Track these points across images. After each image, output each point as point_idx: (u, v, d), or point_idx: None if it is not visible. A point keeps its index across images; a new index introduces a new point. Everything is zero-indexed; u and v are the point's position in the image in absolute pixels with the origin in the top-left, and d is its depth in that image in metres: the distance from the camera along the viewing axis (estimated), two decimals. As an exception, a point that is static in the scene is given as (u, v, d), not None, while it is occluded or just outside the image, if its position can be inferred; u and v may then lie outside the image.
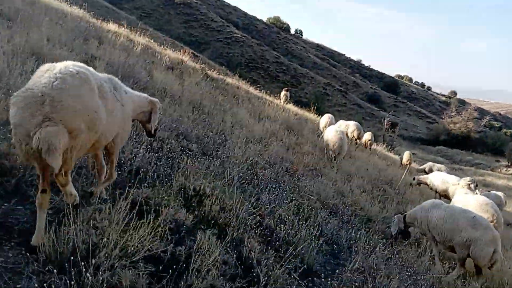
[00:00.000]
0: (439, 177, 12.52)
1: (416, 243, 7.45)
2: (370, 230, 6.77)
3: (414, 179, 13.30)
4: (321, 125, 15.84)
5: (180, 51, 19.89)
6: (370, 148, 19.34)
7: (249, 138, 9.29)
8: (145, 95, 4.33)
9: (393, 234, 7.21)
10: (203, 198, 4.53)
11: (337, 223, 6.31)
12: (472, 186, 15.94)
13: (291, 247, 4.44)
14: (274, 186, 6.43)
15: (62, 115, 2.64)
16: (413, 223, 7.19)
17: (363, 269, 4.72)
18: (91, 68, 3.19)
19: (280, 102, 22.00)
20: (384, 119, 39.03)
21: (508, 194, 29.45)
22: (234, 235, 4.18)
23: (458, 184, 10.03)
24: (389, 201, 9.54)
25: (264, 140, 9.79)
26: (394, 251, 6.17)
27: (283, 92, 22.29)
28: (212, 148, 7.03)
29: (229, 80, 20.01)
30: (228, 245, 3.97)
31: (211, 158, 6.50)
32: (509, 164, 49.08)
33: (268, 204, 5.44)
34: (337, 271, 4.55)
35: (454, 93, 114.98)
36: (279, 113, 14.83)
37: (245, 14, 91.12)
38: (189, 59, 18.86)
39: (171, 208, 4.00)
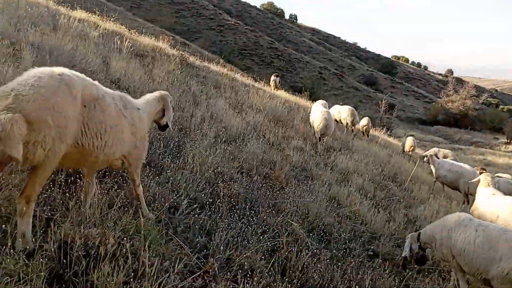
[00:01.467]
0: (446, 166, 10.73)
1: (437, 270, 5.55)
2: (376, 262, 4.88)
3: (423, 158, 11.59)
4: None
5: (160, 39, 17.87)
6: (368, 135, 17.39)
7: (221, 136, 7.36)
8: (155, 94, 4.12)
9: (404, 259, 5.30)
10: (94, 263, 2.61)
11: (329, 259, 4.41)
12: (494, 183, 13.51)
13: None
14: (240, 210, 4.53)
15: (22, 106, 2.48)
16: (431, 244, 5.28)
17: None
18: (93, 81, 3.14)
19: (271, 89, 20.00)
20: (382, 101, 36.95)
21: (510, 172, 27.73)
22: None
23: (478, 180, 7.93)
24: (395, 205, 7.62)
25: (241, 137, 7.84)
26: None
27: (272, 77, 20.21)
28: (160, 157, 5.11)
29: (213, 67, 17.96)
30: None
31: (152, 173, 4.59)
32: (508, 141, 47.23)
33: (224, 248, 3.54)
34: None
35: (451, 71, 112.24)
36: (266, 101, 12.83)
37: (238, 0, 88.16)
38: (168, 47, 16.84)
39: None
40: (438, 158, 12.02)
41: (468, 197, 9.81)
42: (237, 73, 19.53)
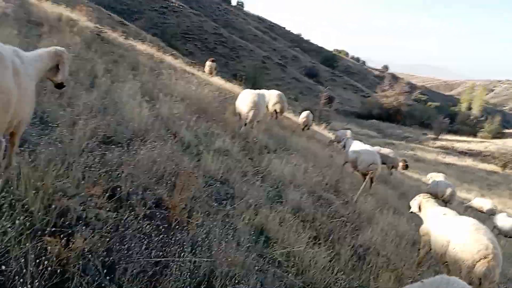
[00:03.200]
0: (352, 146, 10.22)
1: None
2: None
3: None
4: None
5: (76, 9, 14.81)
6: (308, 128, 15.79)
7: (103, 135, 5.04)
8: (48, 49, 3.76)
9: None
10: None
11: None
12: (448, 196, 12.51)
13: None
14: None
15: None
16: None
17: None
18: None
19: (212, 75, 17.68)
20: (322, 94, 35.91)
21: (439, 169, 27.84)
22: None
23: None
24: (340, 231, 5.74)
25: (140, 136, 5.54)
26: None
27: (207, 62, 17.88)
28: None
29: (140, 46, 15.23)
30: None
31: None
32: (435, 137, 48.71)
33: None
34: None
35: (386, 67, 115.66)
36: (194, 88, 10.53)
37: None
38: (86, 20, 13.90)
39: None
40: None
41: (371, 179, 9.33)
42: (169, 56, 16.88)
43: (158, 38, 36.35)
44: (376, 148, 15.99)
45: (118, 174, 4.18)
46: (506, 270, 7.38)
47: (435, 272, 5.43)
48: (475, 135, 55.06)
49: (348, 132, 15.14)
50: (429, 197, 6.17)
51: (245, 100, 9.15)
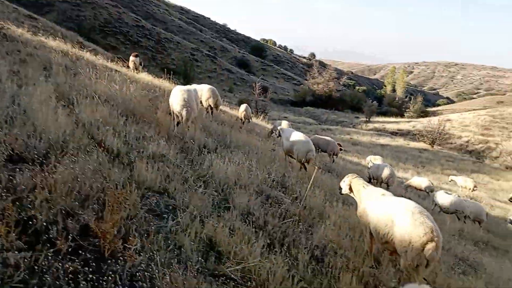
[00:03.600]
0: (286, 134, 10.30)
1: None
2: None
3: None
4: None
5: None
6: (248, 121, 15.53)
7: (7, 151, 4.23)
8: None
9: None
10: None
11: None
12: (389, 178, 13.05)
13: None
14: None
15: None
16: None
17: None
18: None
19: (138, 71, 16.60)
20: (256, 84, 35.90)
21: (375, 151, 29.21)
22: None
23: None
24: (294, 233, 5.45)
25: (57, 149, 4.77)
26: None
27: (131, 58, 16.81)
28: None
29: (52, 43, 13.80)
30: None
31: None
32: (367, 119, 51.23)
33: None
34: None
35: (313, 55, 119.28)
36: (119, 87, 9.65)
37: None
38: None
39: None
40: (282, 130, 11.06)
41: (304, 165, 9.68)
42: (88, 51, 15.54)
43: (75, 32, 33.96)
44: (316, 136, 16.18)
45: (31, 200, 3.47)
46: (455, 249, 7.65)
47: (394, 265, 5.36)
48: (402, 116, 58.88)
49: (284, 122, 15.11)
50: (356, 176, 6.18)
51: (175, 98, 8.61)
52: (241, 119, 15.24)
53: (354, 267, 4.94)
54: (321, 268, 4.74)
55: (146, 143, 6.82)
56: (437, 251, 4.42)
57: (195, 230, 4.34)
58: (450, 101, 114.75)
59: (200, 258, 3.90)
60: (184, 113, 8.34)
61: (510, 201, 17.46)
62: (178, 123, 8.85)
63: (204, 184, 6.06)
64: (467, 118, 46.62)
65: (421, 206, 4.94)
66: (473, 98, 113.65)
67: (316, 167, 7.23)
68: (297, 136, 10.10)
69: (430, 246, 4.39)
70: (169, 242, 3.98)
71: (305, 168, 9.69)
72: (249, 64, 74.94)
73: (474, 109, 62.62)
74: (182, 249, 3.95)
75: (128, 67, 16.98)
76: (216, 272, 3.82)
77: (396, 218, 4.79)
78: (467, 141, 37.73)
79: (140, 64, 17.57)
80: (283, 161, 10.06)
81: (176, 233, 4.19)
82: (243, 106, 15.42)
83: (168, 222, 4.35)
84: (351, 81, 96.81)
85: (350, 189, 6.11)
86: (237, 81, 62.05)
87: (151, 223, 4.22)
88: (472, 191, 18.57)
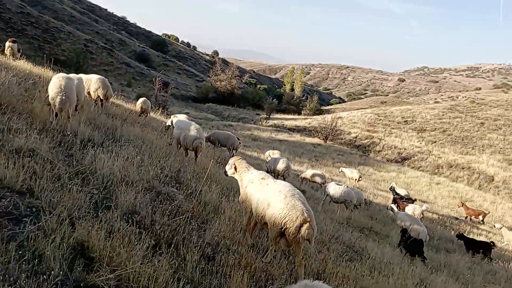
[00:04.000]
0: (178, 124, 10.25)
1: None
2: None
3: None
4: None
5: None
6: (146, 116, 14.69)
7: None
8: None
9: None
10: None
11: None
12: (285, 171, 13.14)
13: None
14: None
15: None
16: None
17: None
18: None
19: (15, 59, 14.49)
20: (155, 79, 34.48)
21: (274, 146, 30.06)
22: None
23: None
24: (184, 231, 5.00)
25: None
26: None
27: (7, 44, 14.72)
28: None
29: None
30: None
31: None
32: (267, 116, 52.71)
33: None
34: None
35: (216, 52, 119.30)
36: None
37: None
38: None
39: None
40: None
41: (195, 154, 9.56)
42: None
43: None
44: (216, 131, 15.90)
45: None
46: (343, 237, 7.91)
47: (285, 257, 5.24)
48: (299, 113, 61.83)
49: (181, 116, 14.62)
50: (240, 158, 6.18)
51: (52, 85, 7.65)
52: (139, 113, 14.33)
53: (247, 263, 4.67)
54: (212, 267, 4.38)
55: (11, 136, 5.77)
56: (312, 229, 4.61)
57: (62, 235, 3.65)
58: (341, 100, 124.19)
59: (64, 268, 3.25)
60: (57, 100, 7.36)
61: (390, 190, 19.18)
62: (57, 115, 7.79)
63: (83, 182, 5.29)
64: (356, 116, 50.67)
65: (295, 189, 5.09)
66: (361, 98, 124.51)
67: (212, 159, 6.84)
68: (186, 124, 10.00)
69: (305, 227, 4.57)
70: (26, 251, 3.26)
71: (195, 157, 9.48)
72: (149, 58, 71.95)
73: (361, 108, 68.49)
74: (42, 258, 3.26)
75: (3, 53, 14.81)
76: (83, 283, 3.21)
77: (271, 201, 4.90)
78: (355, 137, 40.90)
79: (19, 51, 15.46)
80: (179, 155, 9.50)
81: (35, 240, 3.46)
82: (141, 100, 14.64)
83: (26, 228, 3.59)
84: (253, 79, 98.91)
85: (236, 171, 6.04)
86: (136, 75, 59.11)
87: (4, 230, 3.43)
88: (358, 181, 20.03)
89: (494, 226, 16.72)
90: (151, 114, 17.39)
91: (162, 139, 10.93)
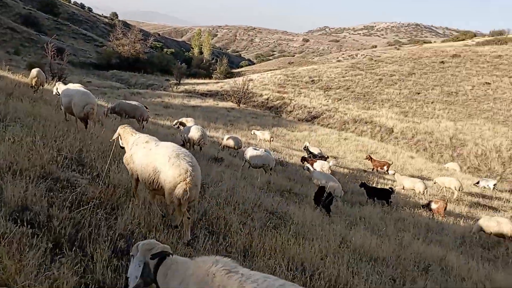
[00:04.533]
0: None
1: None
2: None
3: None
4: None
5: None
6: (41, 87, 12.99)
7: None
8: None
9: None
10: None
11: None
12: (200, 139, 12.44)
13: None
14: None
15: None
16: None
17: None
18: None
19: None
20: (48, 45, 30.71)
21: (187, 112, 29.13)
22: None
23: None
24: (90, 227, 4.31)
25: None
26: None
27: None
28: None
29: None
30: None
31: None
32: (178, 82, 50.76)
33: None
34: None
35: (116, 14, 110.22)
36: None
37: None
38: None
39: None
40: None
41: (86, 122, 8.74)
42: None
43: None
44: (121, 101, 14.60)
45: None
46: (265, 203, 7.78)
47: (209, 236, 4.87)
48: (210, 77, 60.61)
49: (75, 85, 13.17)
50: (125, 125, 6.02)
51: None
52: (34, 86, 12.52)
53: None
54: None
55: None
56: (188, 190, 4.54)
57: None
58: (251, 62, 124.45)
59: None
60: None
61: (304, 149, 19.76)
62: None
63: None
64: (266, 77, 51.11)
65: (181, 149, 4.99)
66: (270, 60, 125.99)
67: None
68: (73, 89, 9.29)
69: (181, 185, 4.54)
70: None
71: (85, 126, 8.69)
72: (38, 22, 63.91)
73: (271, 70, 69.27)
74: None
75: None
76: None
77: (157, 164, 4.84)
78: (267, 99, 41.38)
79: None
80: (80, 132, 8.41)
81: None
82: (35, 71, 12.71)
83: None
84: (159, 43, 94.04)
85: (121, 139, 5.87)
86: (25, 41, 52.36)
87: None
88: (270, 142, 20.25)
89: (388, 173, 18.56)
90: (45, 85, 15.36)
91: (58, 114, 9.62)
